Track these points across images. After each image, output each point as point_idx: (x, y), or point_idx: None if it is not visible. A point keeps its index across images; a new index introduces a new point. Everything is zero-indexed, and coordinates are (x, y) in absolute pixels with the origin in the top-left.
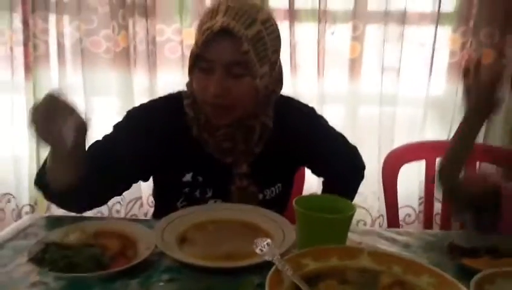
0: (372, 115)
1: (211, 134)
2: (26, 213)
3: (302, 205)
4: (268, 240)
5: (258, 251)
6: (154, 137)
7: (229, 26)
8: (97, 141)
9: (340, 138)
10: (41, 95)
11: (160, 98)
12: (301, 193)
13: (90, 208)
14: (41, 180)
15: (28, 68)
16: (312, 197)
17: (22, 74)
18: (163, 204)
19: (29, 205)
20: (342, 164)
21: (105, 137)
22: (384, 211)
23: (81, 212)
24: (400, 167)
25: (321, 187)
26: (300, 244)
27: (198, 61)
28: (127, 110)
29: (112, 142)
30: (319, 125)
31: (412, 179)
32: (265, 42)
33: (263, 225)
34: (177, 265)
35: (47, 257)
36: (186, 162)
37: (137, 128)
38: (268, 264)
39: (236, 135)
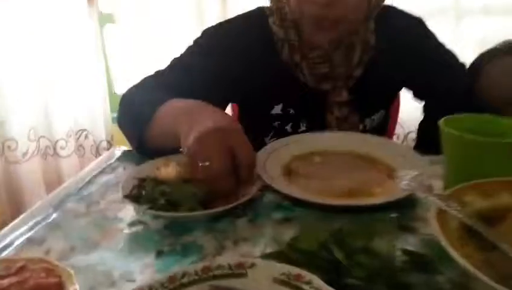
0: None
1: (304, 56)
2: (104, 149)
3: (453, 128)
4: (415, 172)
5: (403, 185)
6: (235, 59)
7: None
8: (168, 66)
9: (452, 55)
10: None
11: (239, 16)
12: (395, 122)
13: None
14: (135, 133)
15: None
16: (461, 118)
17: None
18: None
19: (107, 141)
20: (454, 82)
21: (177, 60)
22: None
23: None
24: None
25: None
26: (453, 178)
27: None
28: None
29: (188, 65)
30: (428, 38)
31: None
32: None
33: (380, 156)
34: (287, 202)
35: (144, 194)
36: (275, 91)
37: (216, 48)
38: (403, 203)
39: (335, 55)
